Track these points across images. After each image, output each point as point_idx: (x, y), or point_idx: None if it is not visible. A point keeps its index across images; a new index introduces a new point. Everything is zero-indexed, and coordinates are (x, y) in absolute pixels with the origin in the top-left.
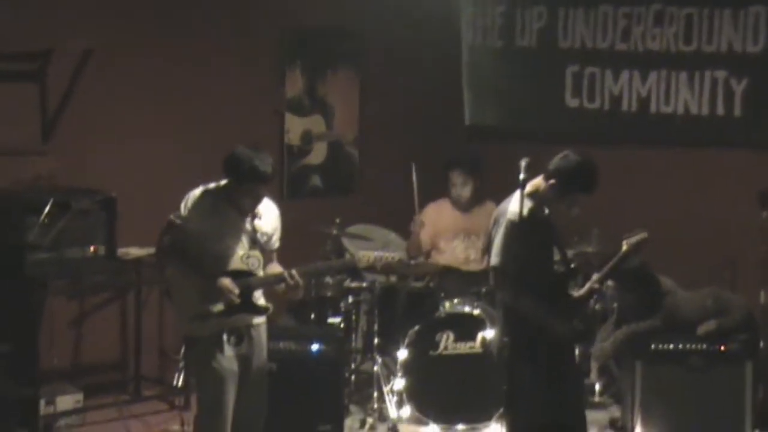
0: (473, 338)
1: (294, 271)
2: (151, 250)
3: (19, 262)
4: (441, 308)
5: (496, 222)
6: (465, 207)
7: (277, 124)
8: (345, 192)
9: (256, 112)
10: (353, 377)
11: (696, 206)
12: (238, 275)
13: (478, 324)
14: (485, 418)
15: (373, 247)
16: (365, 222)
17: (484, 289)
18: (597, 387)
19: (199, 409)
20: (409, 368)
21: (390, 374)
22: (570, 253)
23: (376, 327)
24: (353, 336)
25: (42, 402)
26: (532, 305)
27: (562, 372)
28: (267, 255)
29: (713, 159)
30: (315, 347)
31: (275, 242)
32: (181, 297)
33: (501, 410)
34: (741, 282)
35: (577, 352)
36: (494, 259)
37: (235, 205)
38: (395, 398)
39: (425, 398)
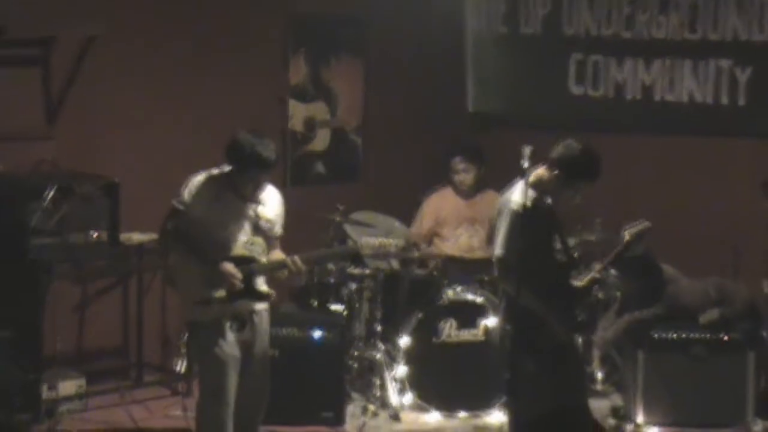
0: (476, 326)
1: (296, 258)
2: (154, 235)
3: (22, 246)
4: (444, 296)
5: (499, 212)
6: (467, 194)
7: (281, 111)
8: (348, 179)
9: (260, 98)
10: (355, 364)
11: (699, 195)
12: (240, 261)
13: (480, 312)
14: (487, 405)
15: (375, 234)
16: (368, 209)
17: (487, 277)
18: (599, 375)
19: (201, 394)
20: (411, 355)
21: (392, 361)
22: (573, 242)
23: (378, 314)
24: (355, 323)
25: (44, 387)
26: (534, 300)
27: (565, 360)
28: (270, 241)
29: (717, 148)
30: (317, 334)
31: (278, 229)
32: (184, 283)
33: (503, 398)
34: (744, 271)
35: (579, 340)
36: (498, 250)
37: (237, 192)
38: (397, 385)
39: (427, 385)
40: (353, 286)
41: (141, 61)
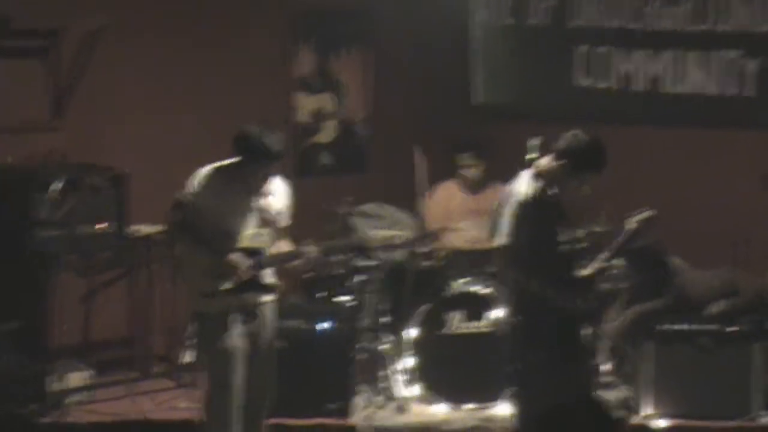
0: (482, 317)
1: (309, 250)
2: (161, 227)
3: (29, 238)
4: (450, 287)
5: (504, 203)
6: (474, 189)
7: (288, 102)
8: (355, 171)
9: (267, 89)
10: (362, 356)
11: (707, 186)
12: (247, 253)
13: (487, 303)
14: (494, 397)
15: (382, 226)
16: (375, 201)
17: (493, 269)
18: (607, 367)
19: (208, 386)
20: (418, 347)
21: (399, 353)
22: (579, 232)
23: (385, 306)
24: (362, 315)
25: (51, 379)
26: (539, 285)
27: (572, 351)
28: (277, 233)
29: (725, 139)
30: (324, 326)
31: (285, 220)
32: (191, 274)
33: (510, 390)
34: (752, 262)
35: (587, 331)
36: (504, 239)
37: (245, 183)
38: (404, 377)
39: (434, 377)
40: (360, 277)
41: (148, 52)
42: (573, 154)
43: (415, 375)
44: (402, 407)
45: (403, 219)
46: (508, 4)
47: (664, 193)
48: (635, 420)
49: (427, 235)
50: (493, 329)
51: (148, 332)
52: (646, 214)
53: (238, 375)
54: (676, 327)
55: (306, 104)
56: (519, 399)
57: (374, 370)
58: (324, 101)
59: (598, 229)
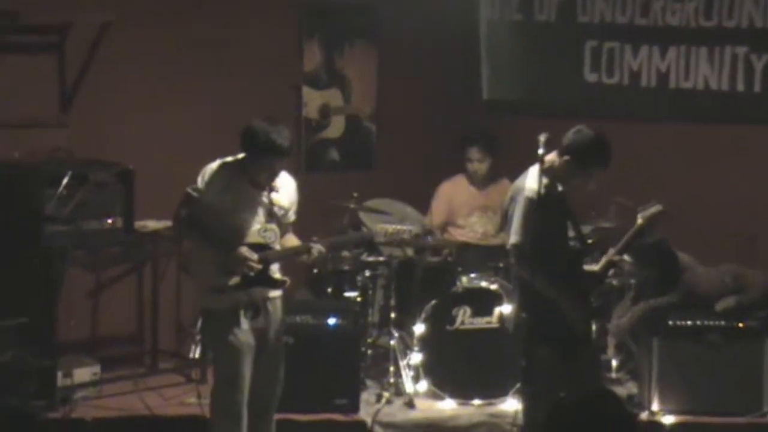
0: (490, 313)
1: (317, 245)
2: (168, 223)
3: (36, 233)
4: (458, 283)
5: (512, 199)
6: (481, 183)
7: (295, 98)
8: (362, 166)
9: (274, 85)
10: (369, 351)
11: (715, 182)
12: (254, 249)
13: (495, 299)
14: (501, 393)
15: (390, 221)
16: (382, 196)
17: (501, 264)
18: (614, 363)
19: (215, 382)
20: (425, 343)
21: (406, 349)
22: (587, 229)
23: (392, 301)
24: (370, 310)
25: (59, 374)
26: (548, 287)
27: (579, 347)
28: (283, 228)
29: (733, 135)
30: (331, 321)
31: (292, 215)
32: (199, 270)
33: (517, 385)
34: (760, 259)
35: (594, 327)
36: (514, 237)
37: (252, 179)
38: (411, 373)
39: (442, 373)
40: (368, 273)
41: (155, 48)
42: (578, 149)
43: (423, 371)
44: (410, 403)
45: (411, 214)
46: (515, 0)
47: (672, 189)
48: (643, 416)
49: (427, 233)
50: (500, 325)
51: (155, 328)
52: (655, 209)
53: (246, 371)
54: (685, 323)
55: (312, 100)
56: (526, 394)
57: (382, 366)
58: (330, 97)
59: (606, 225)
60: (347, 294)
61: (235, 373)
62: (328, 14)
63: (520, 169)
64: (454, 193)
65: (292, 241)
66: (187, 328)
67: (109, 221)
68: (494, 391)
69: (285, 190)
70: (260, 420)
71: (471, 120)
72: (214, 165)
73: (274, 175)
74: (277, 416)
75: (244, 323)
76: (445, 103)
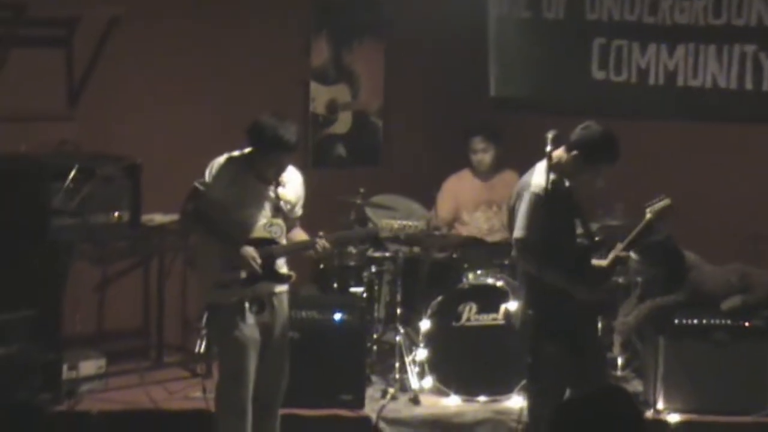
0: (496, 310)
1: (323, 239)
2: (175, 217)
3: (43, 227)
4: (464, 279)
5: (518, 195)
6: (486, 175)
7: (303, 93)
8: (369, 162)
9: (282, 80)
10: (375, 347)
11: (723, 181)
12: (260, 243)
13: (501, 295)
14: (507, 390)
15: (396, 217)
16: (389, 192)
17: (507, 261)
18: (620, 361)
19: (220, 376)
20: (431, 339)
21: (412, 345)
22: (594, 226)
23: (398, 297)
24: (375, 306)
25: (65, 367)
26: (555, 274)
27: (585, 345)
28: (290, 222)
29: (741, 133)
30: (337, 317)
31: (298, 210)
32: (205, 264)
33: (523, 382)
34: (766, 258)
35: (600, 325)
36: (518, 231)
37: (258, 174)
38: (417, 369)
39: (447, 369)
40: (373, 268)
41: (163, 42)
42: (585, 145)
43: (428, 367)
44: (415, 399)
45: (417, 210)
46: None
47: (679, 187)
48: (648, 415)
49: (433, 230)
50: (506, 322)
51: (161, 322)
52: (663, 203)
53: (251, 365)
54: (690, 322)
55: (320, 95)
56: (531, 391)
57: (387, 362)
58: (338, 92)
59: (613, 222)
60: (353, 289)
61: (240, 367)
62: (336, 10)
63: (527, 166)
64: (459, 188)
65: (299, 235)
66: (193, 322)
67: (116, 215)
68: (500, 388)
69: (292, 184)
70: (265, 415)
71: (478, 117)
72: (221, 159)
73: (280, 170)
74: (282, 411)
75: (250, 318)
76: (453, 100)
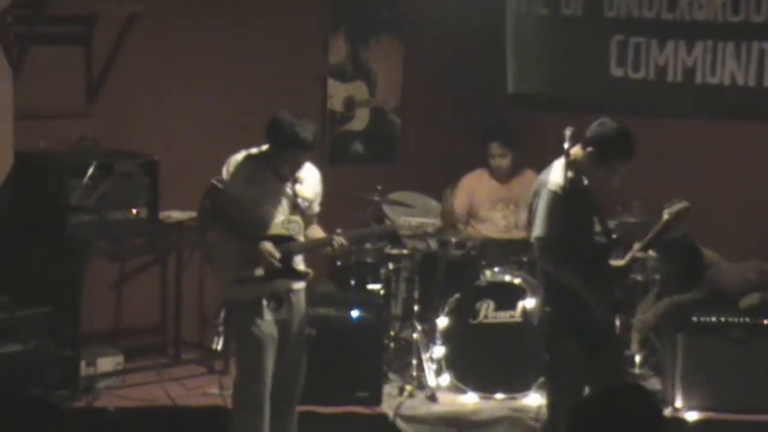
0: (513, 307)
1: (340, 237)
2: (193, 213)
3: (61, 223)
4: (481, 276)
5: (536, 194)
6: (504, 178)
7: (320, 90)
8: (386, 159)
9: (300, 77)
10: (392, 344)
11: (740, 178)
12: (278, 240)
13: (518, 293)
14: (524, 387)
15: (413, 214)
16: (406, 189)
17: (525, 258)
18: (638, 359)
19: (238, 373)
20: (448, 336)
21: (429, 342)
22: (612, 224)
23: (416, 294)
24: (393, 303)
25: (83, 363)
26: (571, 276)
27: (603, 342)
28: (308, 219)
29: (759, 130)
30: (354, 313)
31: (316, 207)
32: (222, 261)
33: (541, 380)
34: None
35: (618, 323)
36: (537, 230)
37: (276, 171)
38: (434, 366)
39: (464, 367)
40: (391, 265)
41: (181, 38)
42: (600, 142)
43: (445, 364)
44: (432, 396)
45: (434, 207)
46: None
47: (697, 185)
48: (666, 413)
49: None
50: (524, 319)
51: (179, 318)
52: (681, 205)
53: (269, 362)
54: (708, 319)
55: (337, 92)
56: (549, 389)
57: (404, 359)
58: (355, 89)
59: (631, 219)
60: (370, 286)
61: (257, 364)
62: (354, 6)
63: (545, 163)
64: (476, 187)
65: (317, 232)
66: (211, 319)
67: (134, 211)
68: (517, 385)
69: (309, 181)
70: (282, 412)
71: (496, 114)
72: (239, 156)
73: (296, 168)
74: (299, 408)
75: (268, 315)
76: (470, 97)
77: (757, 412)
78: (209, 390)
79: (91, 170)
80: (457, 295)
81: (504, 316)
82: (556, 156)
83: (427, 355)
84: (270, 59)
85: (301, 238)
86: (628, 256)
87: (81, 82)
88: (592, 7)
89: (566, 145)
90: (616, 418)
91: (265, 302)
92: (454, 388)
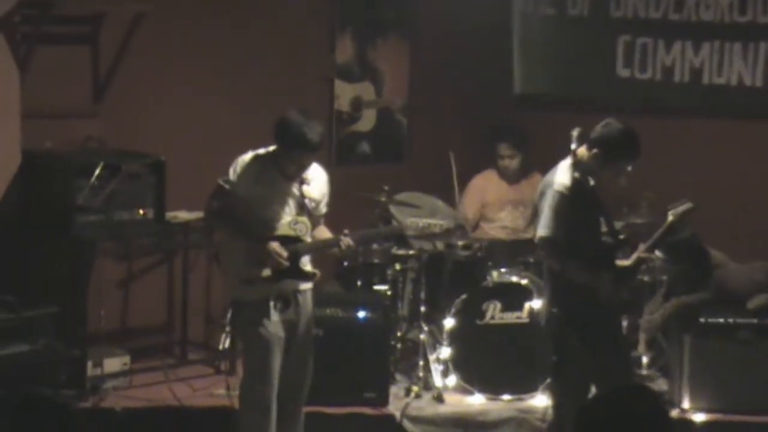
0: (520, 308)
1: (347, 237)
2: (200, 214)
3: (68, 223)
4: (488, 277)
5: (542, 194)
6: (512, 179)
7: (327, 90)
8: (393, 159)
9: (306, 77)
10: (399, 345)
11: (748, 179)
12: (285, 241)
13: (525, 294)
14: (531, 388)
15: (420, 215)
16: (413, 189)
17: (532, 259)
18: (645, 360)
19: (245, 373)
20: (455, 337)
21: (436, 343)
22: (619, 224)
23: (422, 295)
24: (399, 304)
25: (89, 363)
26: (579, 270)
27: (610, 343)
28: (315, 220)
29: (767, 131)
30: (361, 314)
31: (323, 208)
32: (229, 261)
33: (547, 381)
34: None
35: (624, 324)
36: (542, 230)
37: (283, 171)
38: (441, 367)
39: (471, 368)
40: (398, 266)
41: (188, 39)
42: (605, 143)
43: (452, 365)
44: (439, 397)
45: (441, 208)
46: None
47: (705, 185)
48: (673, 414)
49: (460, 226)
50: (531, 320)
51: (185, 318)
52: (685, 206)
53: (276, 363)
54: (716, 320)
55: (344, 92)
56: (556, 390)
57: (411, 360)
58: (362, 90)
59: (638, 220)
60: (377, 287)
61: (264, 365)
62: (360, 6)
63: (552, 163)
64: (485, 188)
65: (324, 233)
66: (217, 319)
67: (141, 212)
68: (524, 386)
69: (316, 182)
70: (289, 412)
71: (502, 114)
72: (247, 157)
73: (302, 168)
74: (306, 409)
75: (274, 315)
76: (477, 97)
77: (765, 414)
78: (216, 390)
79: (97, 170)
80: (463, 296)
81: (511, 317)
82: (563, 156)
83: (434, 356)
84: (277, 59)
85: (308, 239)
86: (634, 257)
87: (88, 82)
88: (599, 7)
89: (573, 146)
90: (622, 420)
91: (272, 303)
92: (461, 389)
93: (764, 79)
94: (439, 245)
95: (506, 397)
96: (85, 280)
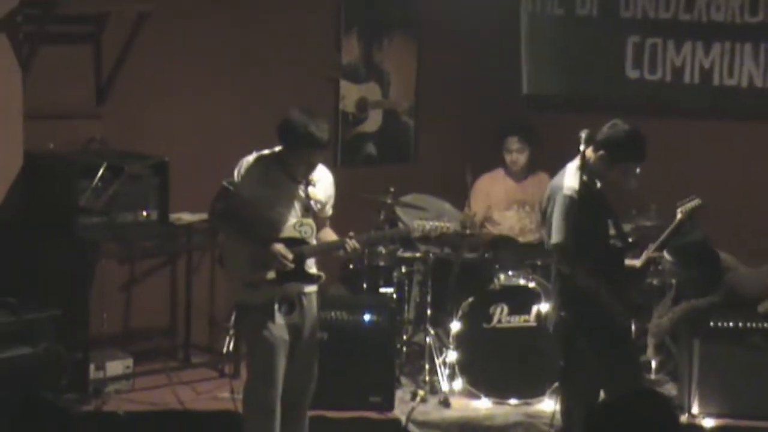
0: (527, 311)
1: (353, 240)
2: (203, 215)
3: (70, 225)
4: (495, 280)
5: (550, 198)
6: (519, 175)
7: (333, 91)
8: (399, 160)
9: (312, 78)
10: (405, 348)
11: (758, 181)
12: (290, 243)
13: (532, 297)
14: (539, 392)
15: (427, 217)
16: (419, 191)
17: (539, 262)
18: (653, 364)
19: (249, 377)
20: (461, 341)
21: (442, 346)
22: (628, 227)
23: (429, 298)
24: (405, 307)
25: (92, 366)
26: (590, 283)
27: (619, 347)
28: (320, 222)
29: None
30: (367, 317)
31: (328, 210)
32: (233, 264)
33: (555, 385)
34: None
35: (633, 328)
36: (555, 236)
37: (288, 172)
38: (447, 371)
39: (478, 371)
40: (404, 269)
41: (192, 38)
42: (611, 144)
43: (458, 369)
44: (445, 401)
45: (448, 210)
46: None
47: (714, 187)
48: (682, 419)
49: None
50: (538, 323)
51: (189, 321)
52: (694, 203)
53: (280, 366)
54: (726, 324)
55: (350, 93)
56: (564, 394)
57: (417, 364)
58: (368, 91)
59: (647, 222)
60: (383, 290)
61: (269, 368)
62: (367, 6)
63: (560, 164)
64: (491, 188)
65: (329, 235)
66: (221, 322)
67: (144, 213)
68: (531, 390)
69: (322, 183)
70: (293, 416)
71: (510, 115)
72: (251, 158)
73: (311, 168)
74: (310, 413)
75: (279, 318)
76: (485, 98)
77: None
78: (220, 394)
79: (100, 172)
80: (470, 299)
81: (518, 321)
82: (571, 157)
83: (440, 359)
84: (282, 60)
85: (313, 241)
86: (644, 256)
87: (90, 83)
88: (608, 7)
89: (582, 147)
90: (631, 424)
91: (276, 305)
92: (468, 393)
93: None
94: (446, 248)
95: (513, 401)
96: (87, 282)
